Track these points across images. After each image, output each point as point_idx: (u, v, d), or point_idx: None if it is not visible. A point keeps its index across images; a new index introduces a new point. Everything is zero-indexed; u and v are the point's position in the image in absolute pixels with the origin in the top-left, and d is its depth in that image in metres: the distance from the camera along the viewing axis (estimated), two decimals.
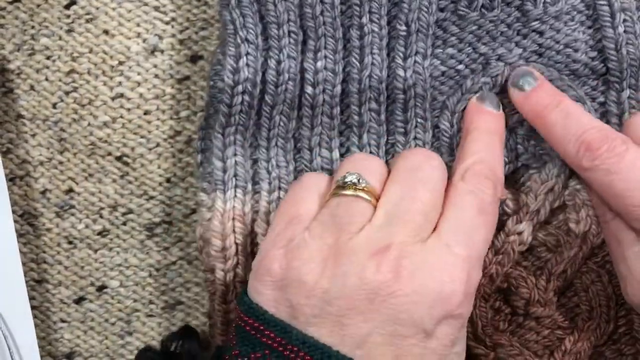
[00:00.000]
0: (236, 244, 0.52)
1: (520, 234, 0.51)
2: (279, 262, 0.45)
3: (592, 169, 0.47)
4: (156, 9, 0.56)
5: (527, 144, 0.52)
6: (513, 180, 0.52)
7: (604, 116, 0.51)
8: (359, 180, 0.47)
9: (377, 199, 0.47)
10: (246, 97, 0.51)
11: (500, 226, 0.51)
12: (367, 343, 0.43)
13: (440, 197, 0.47)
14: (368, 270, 0.44)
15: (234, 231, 0.52)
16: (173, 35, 0.56)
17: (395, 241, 0.45)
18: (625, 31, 0.50)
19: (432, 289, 0.44)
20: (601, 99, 0.52)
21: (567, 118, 0.48)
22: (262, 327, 0.45)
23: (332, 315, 0.44)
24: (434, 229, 0.46)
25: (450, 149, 0.52)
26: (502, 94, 0.52)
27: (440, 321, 0.44)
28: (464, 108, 0.51)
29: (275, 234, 0.47)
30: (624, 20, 0.50)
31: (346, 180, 0.47)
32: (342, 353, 0.43)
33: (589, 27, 0.51)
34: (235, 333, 0.46)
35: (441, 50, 0.52)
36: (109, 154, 0.57)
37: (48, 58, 0.57)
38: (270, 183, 0.52)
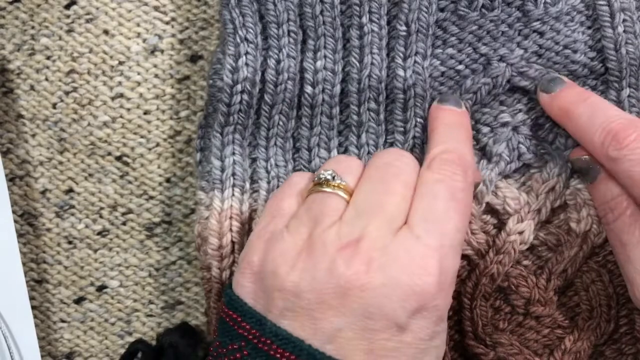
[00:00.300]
0: (233, 242, 0.52)
1: (521, 233, 0.50)
2: (259, 255, 0.46)
3: (619, 159, 0.46)
4: (156, 9, 0.56)
5: (528, 143, 0.51)
6: (514, 180, 0.52)
7: None
8: (333, 177, 0.47)
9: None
10: (245, 97, 0.51)
11: (501, 225, 0.51)
12: (339, 337, 0.43)
13: (412, 190, 0.47)
14: (338, 264, 0.44)
15: (231, 230, 0.52)
16: (173, 35, 0.56)
17: (365, 234, 0.44)
18: (624, 31, 0.50)
19: (403, 282, 0.43)
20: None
21: (594, 110, 0.48)
22: (239, 319, 0.45)
23: (304, 309, 0.44)
24: (406, 222, 0.45)
25: None
26: (504, 93, 0.52)
27: (414, 314, 0.44)
28: (465, 107, 0.51)
29: (260, 227, 0.48)
30: (624, 20, 0.50)
31: (321, 177, 0.47)
32: (314, 347, 0.43)
33: (589, 28, 0.51)
34: (218, 325, 0.47)
35: (441, 51, 0.52)
36: (109, 154, 0.57)
37: (48, 58, 0.57)
38: (269, 182, 0.52)
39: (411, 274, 0.43)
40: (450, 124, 0.49)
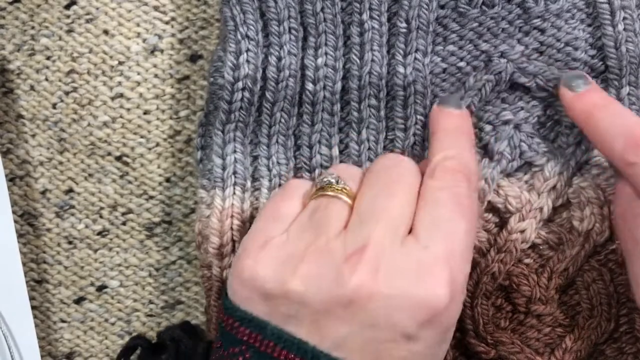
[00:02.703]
0: (234, 241, 0.51)
1: (522, 231, 0.49)
2: (254, 261, 0.44)
3: (637, 163, 0.44)
4: (156, 8, 0.55)
5: (530, 141, 0.50)
6: (516, 178, 0.50)
7: None
8: (337, 181, 0.45)
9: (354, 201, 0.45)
10: (246, 94, 0.50)
11: (503, 224, 0.50)
12: (346, 346, 0.41)
13: (414, 195, 0.45)
14: (344, 274, 0.41)
15: (232, 229, 0.50)
16: (173, 35, 0.55)
17: (370, 242, 0.42)
18: (625, 29, 0.49)
19: (412, 294, 0.41)
20: None
21: (616, 116, 0.46)
22: (236, 324, 0.43)
23: (308, 317, 0.42)
24: (411, 231, 0.44)
25: None
26: (506, 91, 0.50)
27: (424, 326, 0.42)
28: (468, 105, 0.50)
29: (255, 232, 0.45)
30: (624, 18, 0.49)
31: (324, 180, 0.46)
32: (318, 349, 0.41)
33: (589, 25, 0.50)
34: (217, 326, 0.45)
35: (442, 48, 0.51)
36: (109, 154, 0.56)
37: (48, 58, 0.55)
38: (270, 180, 0.51)
39: (421, 287, 0.41)
40: (451, 129, 0.47)
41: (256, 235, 0.45)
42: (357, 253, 0.42)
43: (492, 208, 0.50)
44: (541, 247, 0.50)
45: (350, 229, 0.43)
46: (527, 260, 0.50)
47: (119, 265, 0.57)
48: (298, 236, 0.44)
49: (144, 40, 0.55)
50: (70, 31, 0.55)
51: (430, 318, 0.41)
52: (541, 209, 0.49)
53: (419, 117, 0.50)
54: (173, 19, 0.55)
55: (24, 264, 0.56)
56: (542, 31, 0.50)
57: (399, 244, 0.42)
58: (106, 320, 0.57)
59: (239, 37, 0.50)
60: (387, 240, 0.42)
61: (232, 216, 0.50)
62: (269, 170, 0.51)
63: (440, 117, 0.48)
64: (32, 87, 0.56)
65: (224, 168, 0.50)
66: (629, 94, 0.49)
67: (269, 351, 0.42)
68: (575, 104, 0.48)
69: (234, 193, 0.50)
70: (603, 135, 0.46)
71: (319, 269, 0.42)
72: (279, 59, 0.50)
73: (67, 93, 0.55)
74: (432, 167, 0.45)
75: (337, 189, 0.45)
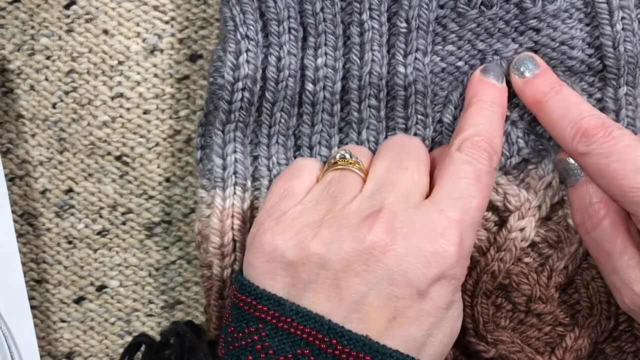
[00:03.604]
0: (234, 241, 0.51)
1: (522, 230, 0.49)
2: (272, 234, 0.45)
3: (588, 153, 0.46)
4: (155, 8, 0.55)
5: (527, 138, 0.50)
6: (513, 176, 0.51)
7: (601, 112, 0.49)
8: (350, 155, 0.48)
9: (367, 175, 0.47)
10: (246, 94, 0.50)
11: (502, 222, 0.50)
12: (364, 305, 0.43)
13: (426, 168, 0.47)
14: (361, 233, 0.44)
15: (232, 228, 0.51)
16: (172, 35, 0.55)
17: (385, 206, 0.44)
18: (623, 29, 0.49)
19: (425, 248, 0.43)
20: (598, 95, 0.50)
21: (566, 105, 0.47)
22: (254, 302, 0.44)
23: (329, 280, 0.43)
24: (429, 197, 0.46)
25: None
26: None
27: (434, 282, 0.44)
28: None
29: (268, 207, 0.47)
30: (622, 18, 0.49)
31: (337, 155, 0.48)
32: (334, 321, 0.43)
33: (587, 25, 0.50)
34: (231, 311, 0.46)
35: (441, 47, 0.51)
36: (109, 153, 0.56)
37: (48, 58, 0.55)
38: (270, 180, 0.51)
39: (433, 242, 0.43)
40: (488, 102, 0.49)
41: (270, 211, 0.46)
42: (373, 215, 0.44)
43: (491, 206, 0.50)
44: (540, 246, 0.50)
45: (365, 196, 0.45)
46: (526, 259, 0.50)
47: (119, 265, 0.57)
48: (314, 207, 0.46)
49: (144, 40, 0.55)
50: (70, 31, 0.55)
51: (440, 274, 0.43)
52: (539, 207, 0.50)
53: (419, 117, 0.50)
54: (173, 18, 0.55)
55: (23, 264, 0.56)
56: (538, 31, 0.50)
57: (415, 208, 0.45)
58: (106, 320, 0.57)
59: (239, 37, 0.50)
60: (401, 205, 0.45)
61: (232, 216, 0.50)
62: (269, 170, 0.51)
63: (479, 86, 0.49)
64: (32, 87, 0.56)
65: (224, 168, 0.50)
66: (626, 93, 0.49)
67: (285, 327, 0.43)
68: (525, 90, 0.49)
69: (235, 193, 0.51)
70: (554, 125, 0.47)
71: (337, 231, 0.44)
72: (279, 59, 0.50)
73: (67, 93, 0.55)
74: (461, 139, 0.47)
75: (350, 162, 0.47)
